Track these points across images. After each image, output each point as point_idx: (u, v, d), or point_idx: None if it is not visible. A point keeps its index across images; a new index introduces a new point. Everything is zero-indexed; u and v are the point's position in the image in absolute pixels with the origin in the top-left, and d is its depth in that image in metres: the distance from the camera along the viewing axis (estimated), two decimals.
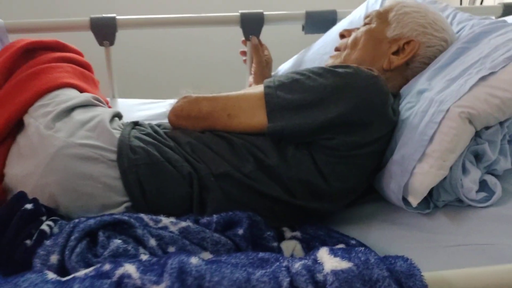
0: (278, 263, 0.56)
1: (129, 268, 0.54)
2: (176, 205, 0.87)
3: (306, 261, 0.55)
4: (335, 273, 0.52)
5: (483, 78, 0.89)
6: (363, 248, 0.56)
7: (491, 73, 0.89)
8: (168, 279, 0.52)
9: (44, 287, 0.52)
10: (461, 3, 2.05)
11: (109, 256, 0.68)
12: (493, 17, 1.51)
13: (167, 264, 0.54)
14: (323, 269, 0.53)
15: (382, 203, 0.99)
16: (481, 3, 1.94)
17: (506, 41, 0.96)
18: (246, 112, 0.94)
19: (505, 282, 0.55)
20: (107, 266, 0.56)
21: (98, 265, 0.58)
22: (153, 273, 0.53)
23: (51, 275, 0.56)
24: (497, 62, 0.91)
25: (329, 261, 0.54)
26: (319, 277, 0.53)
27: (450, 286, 0.55)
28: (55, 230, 0.75)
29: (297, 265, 0.54)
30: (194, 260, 0.55)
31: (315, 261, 0.55)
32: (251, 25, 1.44)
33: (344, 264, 0.52)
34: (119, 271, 0.54)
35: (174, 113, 0.98)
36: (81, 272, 0.58)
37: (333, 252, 0.55)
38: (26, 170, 0.87)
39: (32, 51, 1.08)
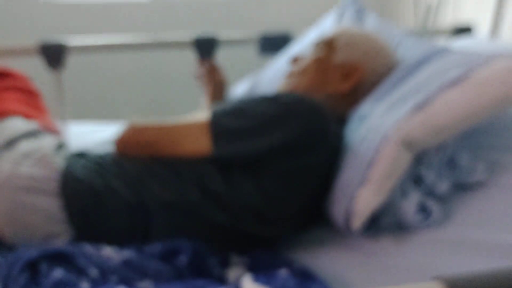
0: None
1: None
2: (121, 233, 0.88)
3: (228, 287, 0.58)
4: None
5: (417, 105, 0.93)
6: (286, 273, 0.59)
7: (426, 100, 0.94)
8: None
9: None
10: (415, 24, 2.13)
11: (51, 286, 0.69)
12: (442, 39, 1.58)
13: None
14: None
15: (329, 227, 1.01)
16: (433, 25, 2.02)
17: (443, 69, 1.01)
18: (191, 139, 0.95)
19: None
20: None
21: None
22: None
23: None
24: (432, 89, 0.95)
25: (250, 287, 0.57)
26: None
27: None
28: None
29: None
30: None
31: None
32: (205, 48, 1.47)
33: None
34: None
35: (121, 142, 0.99)
36: None
37: (256, 278, 0.58)
38: None
39: None
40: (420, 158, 0.96)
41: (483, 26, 1.69)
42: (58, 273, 0.72)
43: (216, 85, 1.44)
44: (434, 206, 0.95)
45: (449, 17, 1.91)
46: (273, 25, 1.77)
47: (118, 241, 0.85)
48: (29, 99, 1.12)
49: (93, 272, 0.74)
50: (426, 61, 1.08)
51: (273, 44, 1.55)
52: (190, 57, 1.52)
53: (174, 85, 2.44)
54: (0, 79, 1.11)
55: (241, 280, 0.59)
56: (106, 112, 2.13)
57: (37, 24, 2.39)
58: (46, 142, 0.98)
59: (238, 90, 1.56)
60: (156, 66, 2.51)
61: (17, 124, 1.00)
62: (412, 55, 1.19)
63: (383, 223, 0.95)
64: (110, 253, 0.79)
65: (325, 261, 0.94)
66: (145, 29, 2.41)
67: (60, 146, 1.01)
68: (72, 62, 1.45)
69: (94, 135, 1.40)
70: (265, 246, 0.96)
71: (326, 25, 1.50)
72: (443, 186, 0.98)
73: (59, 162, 0.93)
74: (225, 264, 0.90)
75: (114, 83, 2.54)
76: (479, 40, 1.55)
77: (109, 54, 2.27)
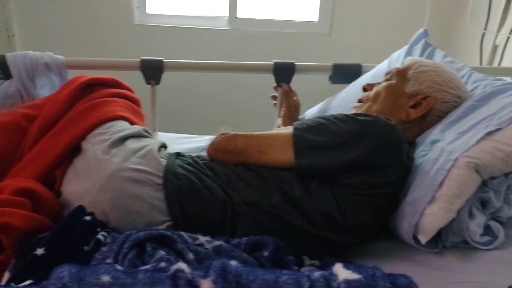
0: (300, 273, 0.67)
1: (182, 265, 0.67)
2: (211, 227, 0.98)
3: (323, 272, 0.66)
4: (347, 281, 0.63)
5: (489, 133, 1.00)
6: (372, 265, 0.67)
7: (497, 129, 1.00)
8: (213, 274, 0.63)
9: (116, 273, 0.64)
10: (481, 63, 2.17)
11: (155, 262, 0.78)
12: (509, 78, 1.62)
13: (212, 264, 0.66)
14: (337, 278, 0.64)
15: (394, 241, 1.08)
16: (499, 64, 2.05)
17: None
18: (276, 149, 1.05)
19: None
20: (162, 264, 0.69)
21: (154, 264, 0.70)
22: (201, 270, 0.65)
23: (119, 267, 0.68)
24: (503, 119, 1.02)
25: (342, 272, 0.64)
26: (334, 284, 0.64)
27: None
28: (108, 240, 0.88)
29: (316, 274, 0.65)
30: (233, 262, 0.67)
31: (331, 273, 0.66)
32: (283, 73, 1.57)
33: (355, 276, 0.63)
34: (174, 267, 0.66)
35: (213, 147, 1.11)
36: (143, 267, 0.70)
37: (346, 266, 0.66)
38: (82, 188, 1.00)
39: (91, 86, 1.24)
40: (488, 183, 1.02)
41: None
42: (161, 253, 0.82)
43: (290, 107, 1.55)
44: (500, 229, 1.00)
45: None
46: (346, 57, 1.86)
47: (209, 234, 0.94)
48: (133, 107, 1.27)
49: (189, 256, 0.84)
50: (496, 94, 1.14)
51: (344, 73, 1.63)
52: (267, 81, 1.62)
53: (253, 105, 2.61)
54: (112, 88, 1.27)
55: (332, 267, 0.67)
56: (191, 127, 2.31)
57: (129, 43, 2.70)
58: (151, 142, 1.11)
59: (310, 113, 1.65)
60: (237, 89, 2.73)
61: (125, 126, 1.14)
62: (481, 89, 1.25)
63: (450, 241, 1.01)
64: (203, 241, 0.90)
65: (391, 272, 1.00)
66: (223, 52, 2.65)
67: (162, 147, 1.14)
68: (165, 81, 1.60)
69: (180, 144, 1.53)
70: (336, 252, 1.03)
71: (396, 59, 1.59)
72: (509, 211, 1.03)
73: (161, 160, 1.05)
74: (300, 265, 0.98)
75: (199, 102, 2.80)
76: None
77: (197, 76, 2.51)
